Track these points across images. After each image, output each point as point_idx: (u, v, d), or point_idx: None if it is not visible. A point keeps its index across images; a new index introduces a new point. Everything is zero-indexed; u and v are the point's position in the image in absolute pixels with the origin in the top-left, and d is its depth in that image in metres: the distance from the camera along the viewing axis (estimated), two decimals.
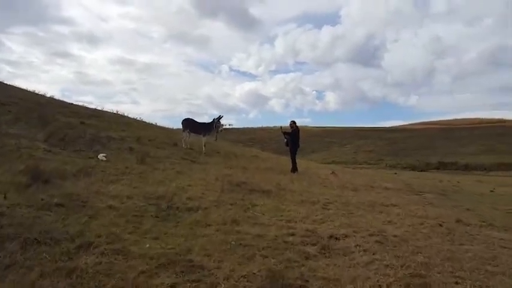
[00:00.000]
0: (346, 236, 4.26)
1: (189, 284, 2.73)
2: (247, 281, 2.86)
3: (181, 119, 12.60)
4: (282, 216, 5.08)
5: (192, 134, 12.32)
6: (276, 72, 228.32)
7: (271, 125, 70.57)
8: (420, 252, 3.82)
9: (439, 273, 3.29)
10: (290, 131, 11.20)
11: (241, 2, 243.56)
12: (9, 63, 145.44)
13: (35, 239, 3.13)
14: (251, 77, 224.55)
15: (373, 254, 3.68)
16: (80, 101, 19.42)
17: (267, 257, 3.39)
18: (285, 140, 11.36)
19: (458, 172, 31.87)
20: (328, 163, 33.88)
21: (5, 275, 2.59)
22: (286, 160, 12.41)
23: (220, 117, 12.29)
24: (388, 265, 3.38)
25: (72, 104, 14.91)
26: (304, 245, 3.83)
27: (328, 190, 8.09)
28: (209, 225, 4.27)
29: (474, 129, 60.69)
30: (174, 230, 3.97)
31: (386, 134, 66.85)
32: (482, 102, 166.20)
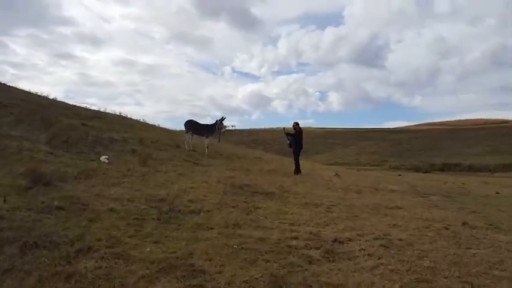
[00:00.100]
0: (350, 240, 4.19)
1: None
2: (249, 286, 2.82)
3: (184, 121, 12.62)
4: (285, 219, 5.02)
5: (194, 135, 12.31)
6: (278, 73, 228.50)
7: (274, 126, 70.61)
8: (426, 257, 3.75)
9: (445, 278, 3.22)
10: (293, 132, 11.16)
11: (243, 2, 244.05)
12: (13, 65, 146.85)
13: (34, 242, 3.10)
14: (254, 78, 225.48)
15: (378, 258, 3.62)
16: (83, 103, 19.54)
17: (269, 261, 3.34)
18: (288, 141, 11.34)
19: (463, 173, 31.62)
20: (331, 164, 33.72)
21: (3, 280, 2.56)
22: (289, 162, 12.34)
23: (222, 119, 12.27)
24: (393, 270, 3.31)
25: (74, 105, 14.98)
26: (307, 249, 3.77)
27: (332, 192, 8.02)
28: (211, 228, 4.23)
29: (480, 130, 60.43)
30: (176, 233, 3.92)
31: (390, 135, 66.68)
32: (484, 102, 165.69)
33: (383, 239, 4.30)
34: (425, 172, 32.24)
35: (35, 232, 3.29)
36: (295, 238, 4.09)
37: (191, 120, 12.59)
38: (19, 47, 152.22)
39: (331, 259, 3.55)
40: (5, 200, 3.95)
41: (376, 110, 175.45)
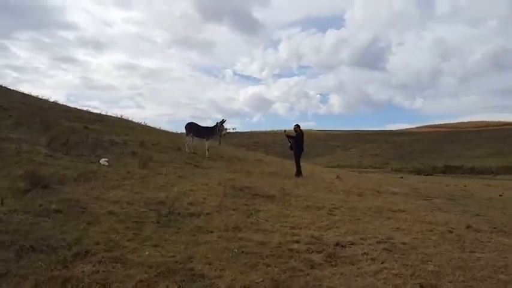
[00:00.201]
0: (352, 244, 4.13)
1: None
2: None
3: (185, 123, 12.58)
4: (286, 222, 4.96)
5: (195, 138, 12.27)
6: (279, 76, 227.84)
7: (275, 128, 70.38)
8: (430, 261, 3.69)
9: (450, 282, 3.17)
10: (294, 134, 11.13)
11: (244, 6, 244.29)
12: (15, 68, 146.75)
13: (31, 246, 3.04)
14: (255, 81, 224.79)
15: (381, 262, 3.56)
16: (85, 106, 19.53)
17: (270, 265, 3.28)
18: (289, 143, 11.34)
19: (465, 176, 31.47)
20: (333, 167, 33.68)
21: None
22: (290, 164, 12.29)
23: (223, 121, 12.27)
24: (397, 274, 3.25)
25: (76, 108, 14.99)
26: (309, 253, 3.71)
27: (334, 195, 7.95)
28: (211, 231, 4.17)
29: (481, 132, 60.25)
30: (175, 236, 3.86)
31: (391, 138, 66.52)
32: (486, 105, 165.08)
33: (386, 242, 4.24)
34: (427, 175, 32.13)
35: (31, 236, 3.24)
36: (297, 242, 4.03)
37: (192, 122, 12.57)
38: (20, 51, 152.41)
39: (333, 263, 3.49)
40: (2, 203, 3.90)
41: (378, 112, 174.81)
